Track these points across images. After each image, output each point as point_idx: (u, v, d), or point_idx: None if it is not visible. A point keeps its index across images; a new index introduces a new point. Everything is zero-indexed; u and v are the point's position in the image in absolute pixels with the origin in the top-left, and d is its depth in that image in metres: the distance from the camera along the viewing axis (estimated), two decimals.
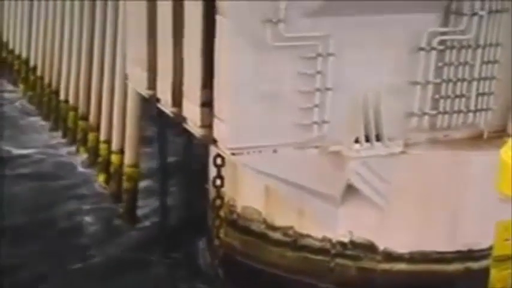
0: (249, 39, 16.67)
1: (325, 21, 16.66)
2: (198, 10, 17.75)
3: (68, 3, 30.52)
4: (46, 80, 34.23)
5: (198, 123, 18.58)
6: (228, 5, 16.79)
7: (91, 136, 29.04)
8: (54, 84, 33.27)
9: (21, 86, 37.79)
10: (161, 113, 21.19)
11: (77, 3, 29.51)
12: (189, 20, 18.52)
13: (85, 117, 29.72)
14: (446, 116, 17.94)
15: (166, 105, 20.79)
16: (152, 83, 22.00)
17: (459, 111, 17.96)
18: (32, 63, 36.40)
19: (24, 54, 37.43)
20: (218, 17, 17.21)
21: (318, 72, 17.06)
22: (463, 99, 17.95)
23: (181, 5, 18.82)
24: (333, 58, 16.97)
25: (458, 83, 17.80)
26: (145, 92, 22.56)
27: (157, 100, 21.75)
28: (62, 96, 32.25)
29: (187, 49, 19.04)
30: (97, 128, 28.33)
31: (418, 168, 17.74)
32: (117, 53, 25.50)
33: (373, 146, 17.55)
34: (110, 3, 25.99)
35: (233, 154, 17.27)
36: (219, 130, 17.77)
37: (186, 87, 19.57)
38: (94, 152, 28.51)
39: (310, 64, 16.99)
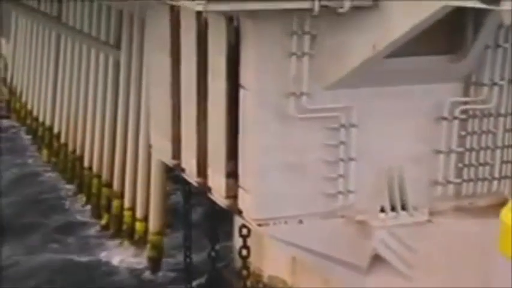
0: (272, 112, 17.17)
1: (347, 93, 17.12)
2: (221, 83, 18.33)
3: (92, 72, 31.34)
4: (70, 147, 34.91)
5: (223, 193, 18.93)
6: (251, 79, 17.35)
7: (115, 203, 29.47)
8: (78, 151, 33.92)
9: (45, 152, 38.52)
10: (186, 182, 21.63)
11: (100, 72, 30.31)
12: (213, 92, 19.11)
13: (109, 184, 30.19)
14: (471, 184, 18.14)
15: (191, 175, 21.22)
16: (176, 153, 22.50)
17: (483, 179, 18.17)
18: (55, 130, 37.21)
19: (48, 122, 38.30)
20: (241, 91, 17.80)
21: (342, 143, 17.43)
22: (487, 167, 18.18)
23: (204, 76, 19.46)
24: (356, 129, 17.35)
25: (482, 152, 18.06)
26: (170, 162, 23.11)
27: (182, 170, 22.23)
28: (85, 163, 32.83)
29: (211, 120, 19.58)
30: (121, 195, 28.76)
31: (444, 237, 17.83)
32: (141, 122, 26.10)
33: (398, 215, 17.74)
34: (133, 72, 26.71)
35: (259, 225, 17.54)
36: (244, 201, 18.10)
37: (210, 158, 20.01)
38: (118, 220, 28.87)
39: (333, 135, 17.39)
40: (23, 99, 43.43)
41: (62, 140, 36.24)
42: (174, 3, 17.05)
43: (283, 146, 17.36)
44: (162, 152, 23.74)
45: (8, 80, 47.24)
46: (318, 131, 17.32)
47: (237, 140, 18.24)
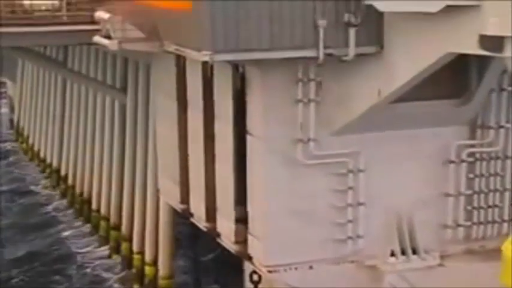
0: (280, 158, 17.40)
1: (354, 138, 17.34)
2: (228, 129, 18.58)
3: (98, 116, 31.65)
4: (77, 190, 35.13)
5: (233, 239, 19.09)
6: (258, 126, 17.59)
7: (124, 245, 29.55)
8: (85, 193, 34.12)
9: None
10: (194, 227, 21.76)
11: (107, 116, 30.60)
12: (220, 138, 19.36)
13: (117, 227, 30.31)
14: (481, 227, 18.25)
15: (199, 220, 21.39)
16: (185, 197, 22.71)
17: (493, 222, 18.27)
18: (63, 172, 37.48)
19: (55, 163, 38.61)
20: (249, 137, 18.04)
21: (350, 188, 17.62)
22: (497, 210, 18.29)
23: (212, 122, 19.73)
24: (364, 174, 17.54)
25: (491, 194, 18.21)
26: (178, 206, 23.30)
27: (190, 214, 22.40)
28: (93, 205, 33.01)
29: (219, 165, 19.83)
30: (129, 239, 28.85)
31: (456, 281, 17.84)
32: (148, 165, 26.29)
33: (409, 259, 17.84)
34: (139, 115, 26.98)
35: (269, 272, 17.66)
36: (254, 247, 18.24)
37: (219, 203, 20.19)
38: (127, 263, 28.94)
39: (341, 180, 17.59)
40: (30, 140, 43.82)
41: (70, 181, 36.47)
42: (180, 53, 17.34)
43: (291, 192, 17.59)
44: (170, 196, 23.95)
45: (15, 121, 47.68)
46: (326, 176, 17.54)
47: (246, 185, 18.53)
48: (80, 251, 32.36)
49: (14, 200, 37.34)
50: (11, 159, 43.84)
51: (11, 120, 48.73)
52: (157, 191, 25.03)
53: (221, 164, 19.49)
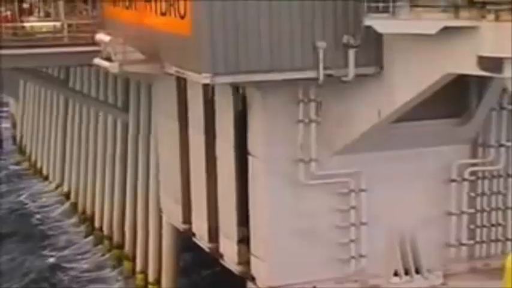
0: (282, 178, 17.53)
1: (355, 158, 17.46)
2: (230, 149, 18.72)
3: (100, 134, 31.78)
4: (79, 208, 35.22)
5: (236, 260, 19.19)
6: (259, 147, 17.74)
7: (126, 264, 29.59)
8: (88, 211, 34.21)
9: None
10: (197, 246, 21.84)
11: (109, 134, 30.74)
12: (222, 158, 19.50)
13: (120, 246, 30.36)
14: (484, 246, 18.33)
15: (202, 240, 21.48)
16: (187, 217, 22.82)
17: (497, 240, 18.35)
18: (65, 189, 37.59)
19: (57, 181, 38.73)
20: (250, 158, 18.18)
21: (352, 208, 17.74)
22: (500, 228, 18.38)
23: (213, 142, 19.88)
24: (366, 193, 17.66)
25: (493, 213, 18.31)
26: (181, 226, 23.40)
27: (193, 234, 22.50)
28: (96, 224, 33.08)
29: (221, 185, 19.93)
30: (132, 258, 28.89)
31: None
32: (150, 184, 26.39)
33: (412, 278, 17.94)
34: (141, 134, 27.12)
35: None
36: (257, 267, 18.34)
37: (221, 223, 20.30)
38: (130, 282, 28.96)
39: (343, 200, 17.71)
40: (32, 158, 43.98)
41: (72, 199, 36.56)
42: (181, 75, 17.50)
43: (293, 212, 17.71)
44: (173, 216, 24.07)
45: (18, 138, 47.87)
46: (328, 196, 17.66)
47: (248, 205, 18.65)
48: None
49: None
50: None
51: (14, 137, 48.95)
52: (159, 210, 25.13)
53: (223, 184, 19.63)
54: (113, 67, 18.28)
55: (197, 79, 16.29)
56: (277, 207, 17.64)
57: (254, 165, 18.03)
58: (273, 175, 17.53)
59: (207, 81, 15.87)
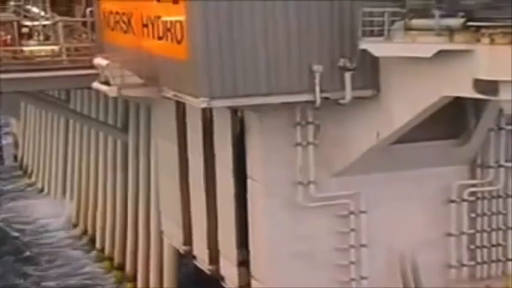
0: (281, 201, 17.67)
1: (355, 180, 17.60)
2: (229, 172, 18.87)
3: (101, 155, 31.97)
4: (81, 227, 35.35)
5: (236, 282, 19.28)
6: (258, 170, 17.89)
7: (127, 285, 29.67)
8: (89, 232, 34.33)
9: None
10: (198, 268, 21.95)
11: (109, 155, 30.93)
12: (221, 181, 19.65)
13: (121, 267, 30.45)
14: (485, 266, 18.39)
15: (203, 262, 21.59)
16: (188, 239, 22.95)
17: (498, 261, 18.42)
18: (66, 210, 37.75)
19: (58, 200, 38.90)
20: (249, 181, 18.31)
21: (352, 230, 17.86)
22: (500, 249, 18.44)
23: (212, 165, 20.02)
24: (365, 215, 17.77)
25: (494, 233, 18.38)
26: (181, 248, 23.52)
27: (194, 257, 22.61)
28: (97, 245, 33.19)
29: (221, 208, 20.07)
30: (133, 279, 28.98)
31: None
32: (151, 205, 26.53)
33: None
34: (141, 154, 27.30)
35: None
36: None
37: (222, 245, 20.43)
38: None
39: (343, 222, 17.84)
40: (33, 178, 44.19)
41: (73, 220, 36.69)
42: (179, 99, 17.69)
43: (293, 234, 17.82)
44: (173, 238, 24.18)
45: (19, 157, 48.11)
46: (328, 218, 17.77)
47: (247, 228, 18.77)
48: None
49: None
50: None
51: (15, 156, 49.20)
52: (161, 232, 25.26)
53: (223, 206, 19.77)
54: (111, 91, 18.48)
55: (194, 103, 16.46)
56: (277, 230, 17.77)
57: (253, 188, 18.19)
58: (272, 198, 17.67)
59: (204, 105, 16.05)
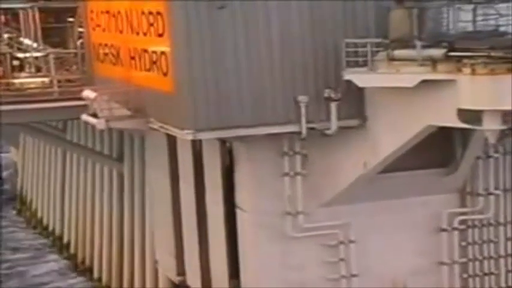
0: (270, 231, 17.69)
1: (344, 210, 17.62)
2: (219, 203, 18.89)
3: (97, 184, 32.09)
4: (79, 257, 35.37)
5: None
6: (247, 201, 17.93)
7: None
8: (87, 262, 34.35)
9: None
10: None
11: (105, 185, 31.03)
12: (211, 211, 19.67)
13: None
14: None
15: None
16: (181, 269, 22.95)
17: None
18: (65, 239, 37.78)
19: (57, 231, 38.92)
20: (238, 211, 18.32)
21: (342, 260, 17.82)
22: (493, 277, 18.36)
23: (203, 195, 20.04)
24: (355, 245, 17.73)
25: (485, 261, 18.32)
26: (175, 278, 23.48)
27: (187, 287, 22.58)
28: (95, 274, 33.18)
29: (212, 238, 20.11)
30: None
31: None
32: (147, 235, 26.57)
33: None
34: (136, 183, 27.38)
35: None
36: None
37: (214, 276, 20.43)
38: None
39: (332, 252, 17.82)
40: (33, 207, 44.28)
41: (72, 250, 36.74)
42: (165, 131, 17.77)
43: (283, 265, 17.82)
44: (167, 268, 24.15)
45: (18, 188, 48.24)
46: (317, 248, 17.77)
47: (238, 258, 18.72)
48: None
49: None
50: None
51: (15, 185, 49.38)
52: (155, 262, 25.25)
53: (214, 237, 19.81)
54: (99, 123, 18.60)
55: (180, 135, 16.59)
56: (266, 260, 17.81)
57: (242, 219, 18.23)
58: (261, 228, 17.72)
59: (190, 137, 16.19)
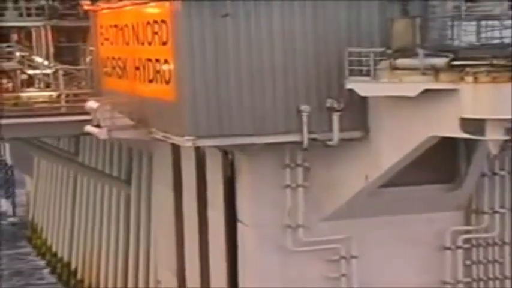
0: (270, 245, 17.34)
1: (345, 224, 17.28)
2: (220, 217, 18.64)
3: (105, 209, 32.04)
4: (86, 283, 35.13)
5: None
6: (248, 213, 17.65)
7: None
8: (93, 283, 34.12)
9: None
10: None
11: (113, 209, 30.97)
12: (213, 224, 19.41)
13: None
14: None
15: None
16: (182, 286, 22.60)
17: None
18: (73, 266, 37.59)
19: (65, 257, 38.75)
20: (239, 224, 18.04)
21: (343, 275, 17.41)
22: None
23: (205, 208, 19.82)
24: (356, 260, 17.34)
25: (490, 282, 17.83)
26: None
27: None
28: None
29: (212, 253, 19.75)
30: None
31: None
32: (151, 257, 26.35)
33: None
34: (142, 206, 27.25)
35: None
36: None
37: None
38: None
39: (334, 267, 17.43)
40: (44, 235, 44.26)
41: (79, 276, 36.52)
42: (167, 140, 17.66)
43: (283, 279, 17.44)
44: (169, 286, 23.79)
45: (30, 217, 48.30)
46: (318, 263, 17.40)
47: (237, 273, 18.35)
48: None
49: None
50: None
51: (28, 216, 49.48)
52: (158, 282, 24.94)
53: (214, 251, 19.52)
54: (101, 133, 18.55)
55: (180, 142, 16.48)
56: (266, 274, 17.47)
57: (243, 232, 17.95)
58: (261, 241, 17.43)
59: (190, 144, 16.07)
